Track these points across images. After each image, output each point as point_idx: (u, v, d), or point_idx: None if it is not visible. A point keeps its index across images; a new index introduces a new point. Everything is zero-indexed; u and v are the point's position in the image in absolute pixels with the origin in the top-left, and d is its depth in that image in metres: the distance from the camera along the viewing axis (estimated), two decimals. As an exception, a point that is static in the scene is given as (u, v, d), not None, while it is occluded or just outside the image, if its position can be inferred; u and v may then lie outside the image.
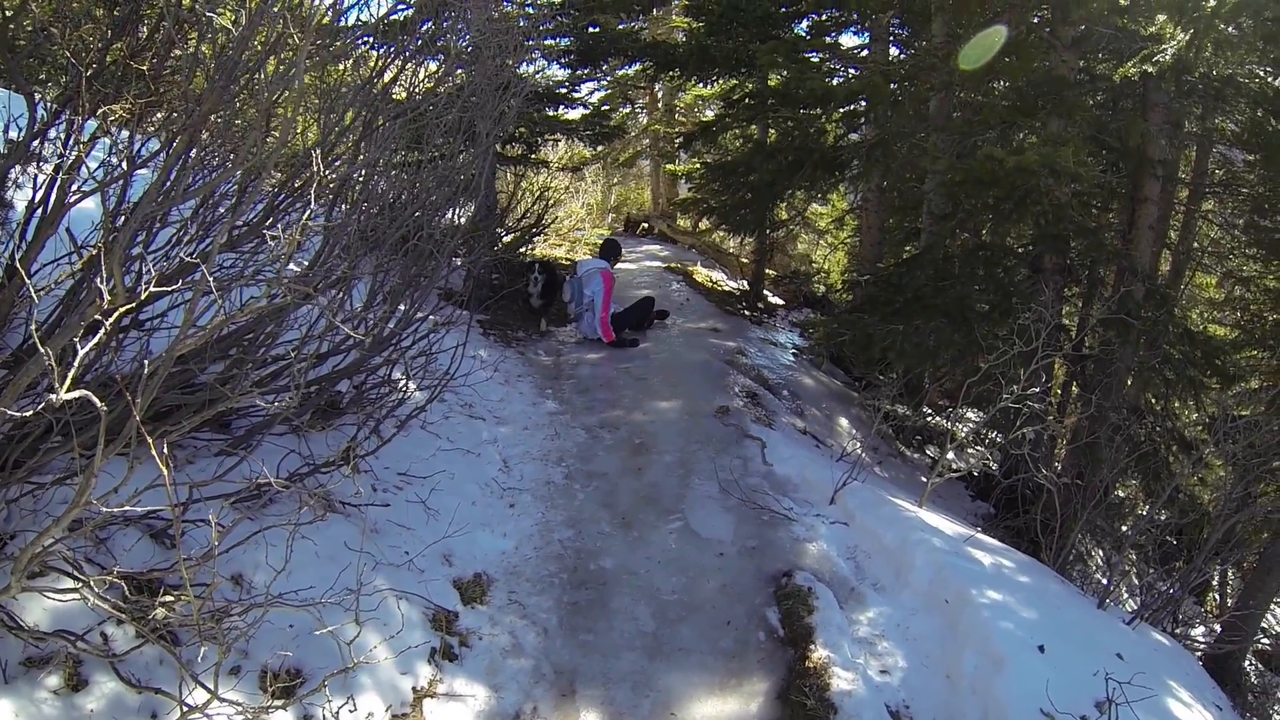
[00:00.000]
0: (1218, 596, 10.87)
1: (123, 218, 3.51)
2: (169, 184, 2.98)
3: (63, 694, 2.83)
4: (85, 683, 2.90)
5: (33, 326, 1.87)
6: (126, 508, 2.35)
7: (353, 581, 3.58)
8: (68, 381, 1.61)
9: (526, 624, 4.45)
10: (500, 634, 4.33)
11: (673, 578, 4.91)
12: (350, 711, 3.31)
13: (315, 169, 2.28)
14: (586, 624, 4.51)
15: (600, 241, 11.59)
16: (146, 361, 1.86)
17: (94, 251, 3.08)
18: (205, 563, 2.49)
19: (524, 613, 4.53)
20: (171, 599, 3.03)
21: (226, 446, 4.22)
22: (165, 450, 1.81)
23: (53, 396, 1.64)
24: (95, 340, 1.69)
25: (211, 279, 1.77)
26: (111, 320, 1.67)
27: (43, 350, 1.62)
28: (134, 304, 1.90)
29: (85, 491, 2.08)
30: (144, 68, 3.29)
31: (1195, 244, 11.51)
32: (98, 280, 1.76)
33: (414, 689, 3.74)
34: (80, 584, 2.61)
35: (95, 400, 1.80)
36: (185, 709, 2.66)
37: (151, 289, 1.75)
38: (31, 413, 1.73)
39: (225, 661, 2.78)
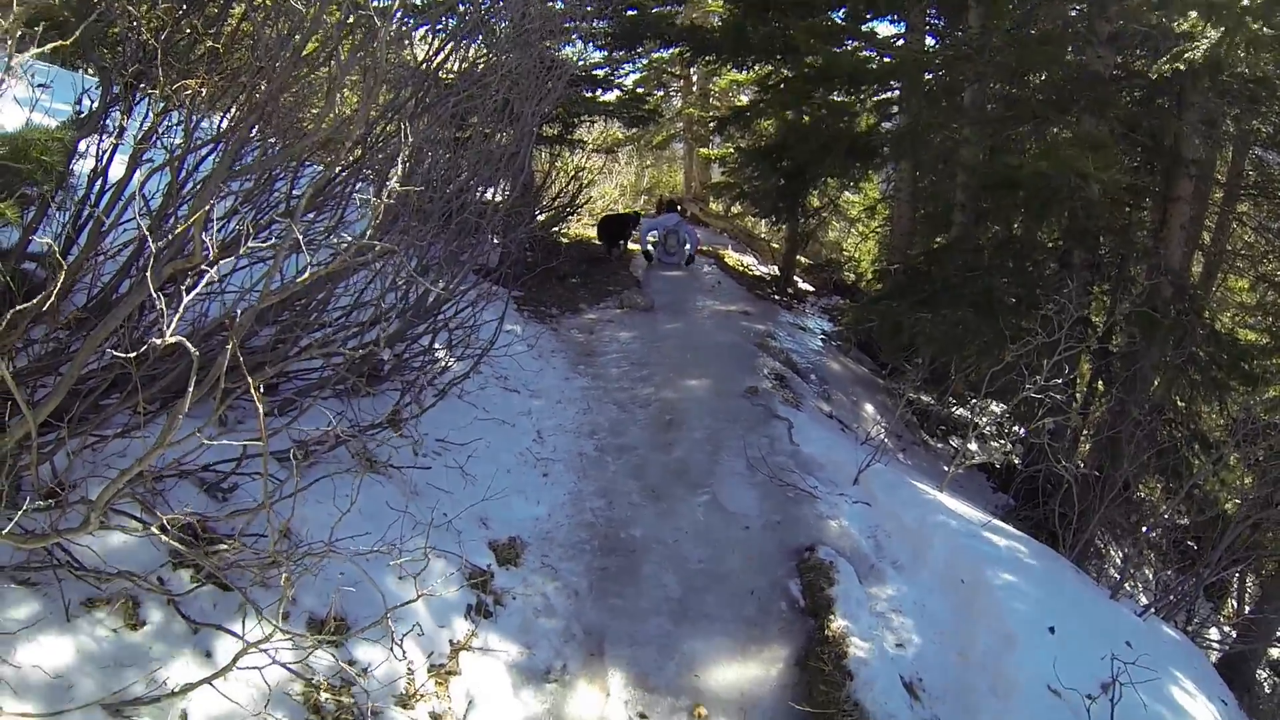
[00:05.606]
0: (1235, 603, 10.83)
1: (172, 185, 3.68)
2: (238, 157, 3.15)
3: (122, 631, 3.01)
4: (143, 622, 3.08)
5: (146, 275, 2.04)
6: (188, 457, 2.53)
7: (394, 539, 3.76)
8: (173, 324, 1.78)
9: (558, 586, 4.63)
10: (533, 594, 4.51)
11: (700, 548, 5.07)
12: (393, 660, 3.48)
13: (403, 139, 2.43)
14: (616, 589, 4.69)
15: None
16: (239, 310, 2.02)
17: (189, 216, 3.24)
18: (274, 510, 2.66)
19: (556, 575, 4.70)
20: (226, 547, 3.22)
21: (274, 407, 4.41)
22: (262, 391, 1.98)
23: (157, 341, 1.81)
24: (200, 286, 1.86)
25: (301, 237, 1.93)
26: (210, 273, 1.83)
27: (153, 293, 1.79)
28: (228, 259, 2.07)
29: (169, 432, 2.25)
30: (218, 45, 3.45)
31: (1228, 246, 11.40)
32: (186, 238, 1.91)
33: (451, 641, 3.92)
34: (152, 524, 2.80)
35: (189, 346, 1.98)
36: (246, 644, 2.85)
37: (249, 245, 1.92)
38: (135, 355, 1.90)
39: (276, 606, 2.95)
